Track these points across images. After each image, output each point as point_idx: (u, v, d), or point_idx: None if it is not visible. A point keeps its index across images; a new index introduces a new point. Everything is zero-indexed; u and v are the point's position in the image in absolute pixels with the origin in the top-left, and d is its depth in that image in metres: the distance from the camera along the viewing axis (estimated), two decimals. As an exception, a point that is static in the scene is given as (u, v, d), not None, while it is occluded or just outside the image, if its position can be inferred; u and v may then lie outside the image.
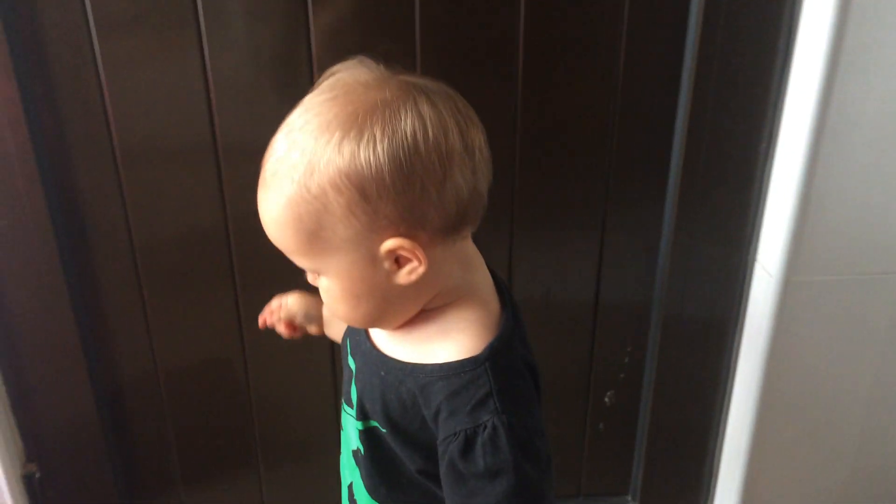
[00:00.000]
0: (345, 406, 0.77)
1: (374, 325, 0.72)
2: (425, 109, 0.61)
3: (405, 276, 0.64)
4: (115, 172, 1.06)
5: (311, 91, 0.63)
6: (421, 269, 0.63)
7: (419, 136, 0.60)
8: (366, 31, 1.02)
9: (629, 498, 1.36)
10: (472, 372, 0.65)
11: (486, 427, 0.63)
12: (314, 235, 0.62)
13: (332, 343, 1.13)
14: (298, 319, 0.89)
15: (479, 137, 0.64)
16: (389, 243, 0.62)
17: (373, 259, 0.63)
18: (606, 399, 1.27)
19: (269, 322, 0.90)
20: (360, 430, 0.73)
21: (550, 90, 1.07)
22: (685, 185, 1.11)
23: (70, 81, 1.01)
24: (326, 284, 0.66)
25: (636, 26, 1.04)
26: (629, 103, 1.08)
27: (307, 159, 0.60)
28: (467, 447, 0.64)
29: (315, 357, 1.22)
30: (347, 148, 0.59)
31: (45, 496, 1.25)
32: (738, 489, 1.24)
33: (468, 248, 0.70)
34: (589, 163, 1.12)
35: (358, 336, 0.75)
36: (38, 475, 1.24)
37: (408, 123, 0.60)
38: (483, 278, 0.72)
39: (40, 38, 0.99)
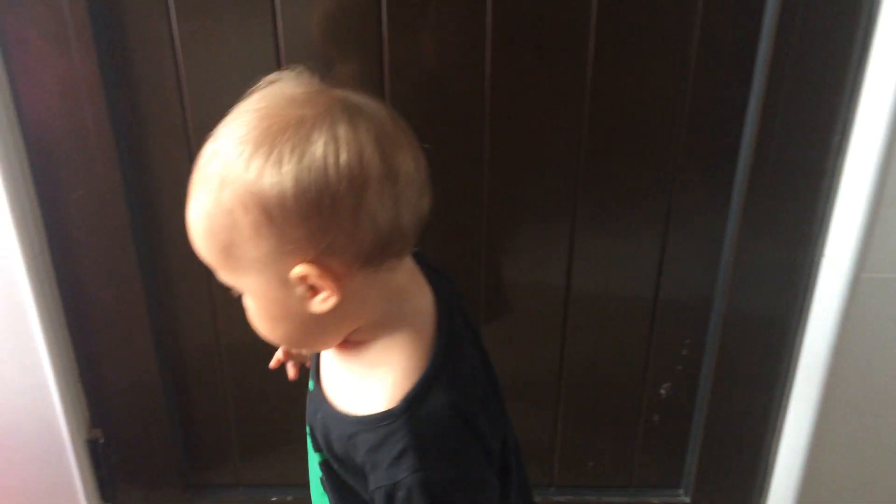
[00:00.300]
0: (308, 430, 0.75)
1: (295, 348, 0.72)
2: (342, 131, 0.57)
3: (319, 304, 0.61)
4: (187, 149, 1.08)
5: (245, 97, 0.61)
6: (333, 300, 0.60)
7: (329, 159, 0.56)
8: (442, 8, 1.02)
9: (681, 491, 1.35)
10: (388, 426, 0.62)
11: (402, 485, 0.61)
12: (227, 251, 0.60)
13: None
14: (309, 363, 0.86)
15: (408, 163, 0.60)
16: (298, 269, 0.59)
17: (285, 283, 0.60)
18: (662, 391, 1.26)
19: (283, 361, 0.89)
20: (319, 462, 0.72)
21: (620, 79, 1.06)
22: (754, 178, 1.09)
23: (147, 59, 1.04)
24: (247, 301, 0.65)
25: (710, 15, 1.02)
26: (700, 94, 1.07)
27: (222, 172, 0.58)
28: (388, 502, 0.62)
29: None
30: (255, 165, 0.56)
31: (107, 461, 1.29)
32: (795, 487, 1.22)
33: (399, 277, 0.66)
34: (656, 154, 1.10)
35: (315, 364, 0.73)
36: (101, 440, 1.28)
37: (319, 145, 0.56)
38: (419, 306, 0.68)
39: (121, 18, 1.02)
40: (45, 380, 1.17)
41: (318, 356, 0.74)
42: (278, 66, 1.03)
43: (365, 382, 0.66)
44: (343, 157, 0.56)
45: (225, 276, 0.62)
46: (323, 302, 0.60)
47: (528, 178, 1.12)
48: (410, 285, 0.68)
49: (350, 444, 0.65)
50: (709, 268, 1.18)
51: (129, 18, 1.02)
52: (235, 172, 0.57)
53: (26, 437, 1.22)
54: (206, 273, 1.16)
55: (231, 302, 1.18)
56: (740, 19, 1.03)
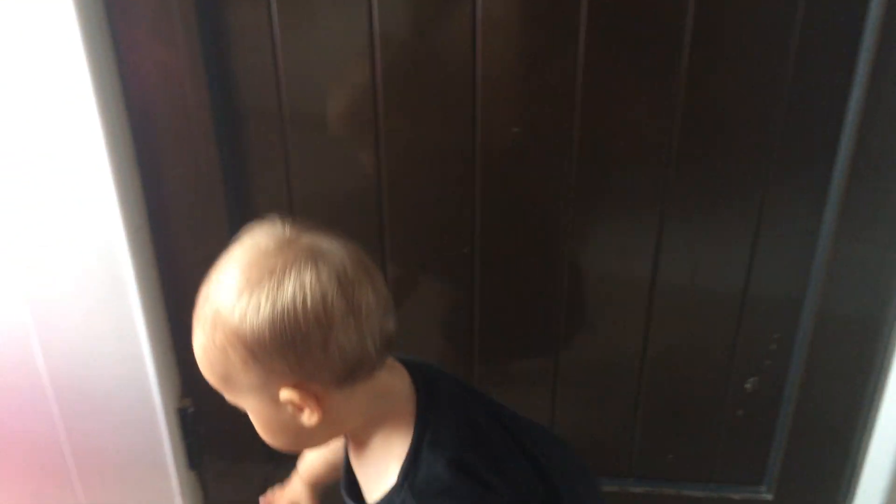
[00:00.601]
0: None
1: (295, 451, 0.85)
2: (308, 278, 0.68)
3: (307, 419, 0.73)
4: (282, 133, 1.11)
5: (229, 248, 0.73)
6: (317, 415, 0.72)
7: (298, 303, 0.67)
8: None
9: (763, 488, 1.33)
10: (398, 499, 0.74)
11: None
12: (225, 379, 0.72)
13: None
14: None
15: (368, 297, 0.71)
16: (283, 393, 0.71)
17: (276, 403, 0.72)
18: (748, 385, 1.24)
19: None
20: None
21: (717, 68, 1.03)
22: (853, 172, 1.06)
23: (246, 45, 1.06)
24: (251, 417, 0.76)
25: (813, 4, 0.99)
26: (800, 82, 1.03)
27: (212, 316, 0.69)
28: None
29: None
30: (238, 311, 0.67)
31: (195, 430, 1.34)
32: (884, 489, 1.18)
33: (376, 382, 0.75)
34: (751, 145, 1.08)
35: (345, 484, 0.86)
36: (191, 409, 1.32)
37: (288, 292, 0.67)
38: (399, 394, 0.79)
39: (223, 7, 1.04)
40: (140, 350, 1.22)
41: (346, 477, 0.85)
42: (371, 54, 1.06)
43: (378, 477, 0.78)
44: (309, 301, 0.67)
45: (229, 397, 0.75)
46: (309, 417, 0.72)
47: (616, 167, 1.11)
48: (388, 380, 0.78)
49: None
50: (802, 263, 1.15)
51: (231, 7, 1.04)
52: (223, 317, 0.68)
53: (121, 403, 1.28)
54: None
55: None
56: (845, 2, 1.00)
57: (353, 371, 0.71)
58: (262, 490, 1.41)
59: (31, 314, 1.20)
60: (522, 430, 0.85)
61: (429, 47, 1.06)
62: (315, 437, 0.78)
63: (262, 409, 0.74)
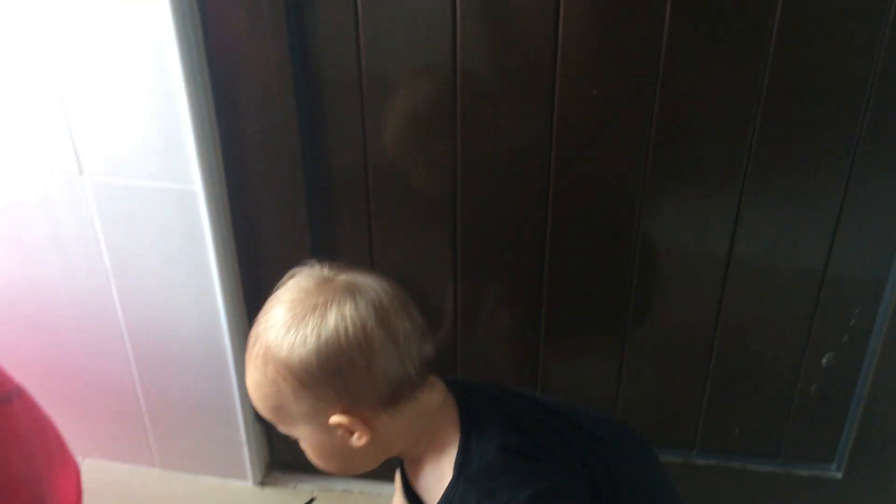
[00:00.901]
0: None
1: (347, 474, 0.88)
2: (347, 310, 0.75)
3: (356, 441, 0.78)
4: (360, 97, 1.10)
5: (275, 291, 0.81)
6: (366, 437, 0.78)
7: (340, 332, 0.74)
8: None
9: (833, 466, 1.30)
10: (458, 494, 0.79)
11: None
12: (278, 410, 0.78)
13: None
14: None
15: (405, 324, 0.78)
16: (334, 419, 0.77)
17: (326, 429, 0.78)
18: (824, 361, 1.20)
19: None
20: None
21: (806, 40, 0.98)
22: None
23: (329, 9, 1.05)
24: (302, 444, 0.83)
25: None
26: (892, 57, 0.99)
27: (262, 353, 0.76)
28: None
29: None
30: (286, 344, 0.74)
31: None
32: (962, 474, 1.15)
33: (421, 402, 0.81)
34: (839, 119, 1.03)
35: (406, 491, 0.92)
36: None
37: (331, 323, 0.74)
38: (440, 406, 0.84)
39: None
40: (215, 303, 1.24)
41: (405, 487, 0.91)
42: (454, 22, 1.04)
43: (437, 482, 0.83)
44: (351, 330, 0.74)
45: (282, 428, 0.81)
46: (358, 439, 0.78)
47: (696, 138, 1.07)
48: (430, 396, 0.83)
49: None
50: (887, 240, 1.11)
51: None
52: (273, 352, 0.75)
53: (193, 352, 1.31)
54: (367, 210, 1.20)
55: (390, 243, 1.22)
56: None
57: (396, 393, 0.78)
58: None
59: (109, 262, 1.23)
60: (562, 412, 0.90)
61: (509, 24, 1.04)
62: (365, 459, 0.84)
63: (314, 435, 0.80)
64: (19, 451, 1.11)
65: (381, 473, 1.43)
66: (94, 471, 1.44)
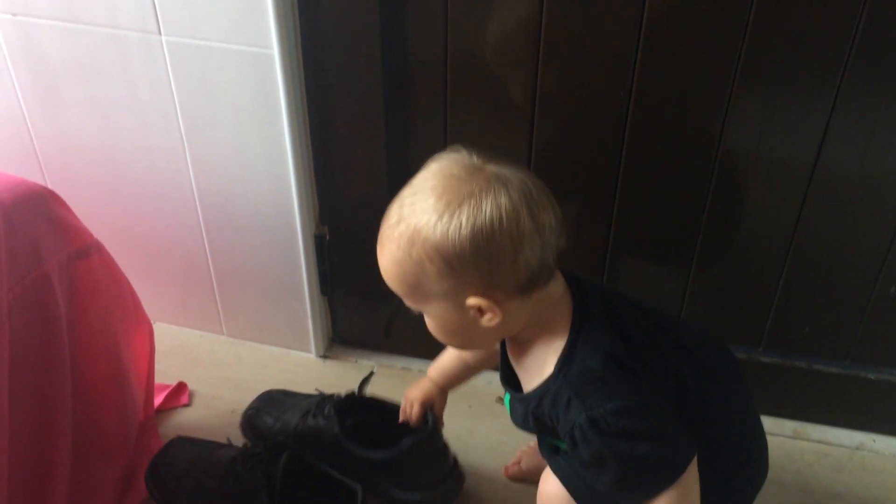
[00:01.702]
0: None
1: (467, 350, 1.04)
2: (503, 201, 0.78)
3: (486, 322, 0.83)
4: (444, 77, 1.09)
5: (418, 174, 0.83)
6: (497, 319, 0.82)
7: (495, 223, 0.77)
8: None
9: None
10: (554, 388, 0.86)
11: (576, 426, 0.83)
12: (415, 288, 0.82)
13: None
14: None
15: (549, 217, 0.81)
16: (472, 300, 0.81)
17: (460, 308, 0.83)
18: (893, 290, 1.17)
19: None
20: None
21: None
22: None
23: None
24: (428, 319, 0.88)
25: None
26: None
27: (410, 234, 0.79)
28: (573, 445, 0.85)
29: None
30: (440, 229, 0.78)
31: (330, 256, 1.38)
32: None
33: (547, 291, 0.86)
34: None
35: (503, 377, 0.99)
36: (327, 237, 1.36)
37: (487, 213, 0.77)
38: (560, 299, 0.89)
39: None
40: (287, 173, 1.24)
41: (504, 370, 0.98)
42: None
43: (537, 369, 0.89)
44: (505, 221, 0.78)
45: (413, 304, 0.86)
46: (489, 321, 0.83)
47: (790, 37, 1.00)
48: (554, 287, 0.88)
49: (538, 413, 0.90)
50: None
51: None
52: (424, 234, 0.79)
53: (263, 223, 1.32)
54: (444, 100, 1.17)
55: (464, 138, 1.20)
56: None
57: (533, 281, 0.82)
58: (387, 324, 1.47)
59: (183, 126, 1.24)
60: (668, 328, 0.94)
61: None
62: (487, 338, 0.90)
63: (445, 313, 0.84)
64: (97, 304, 1.15)
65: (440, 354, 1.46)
66: (164, 334, 1.48)
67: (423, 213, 0.79)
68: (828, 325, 1.27)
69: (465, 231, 0.77)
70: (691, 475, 0.85)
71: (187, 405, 1.40)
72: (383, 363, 1.48)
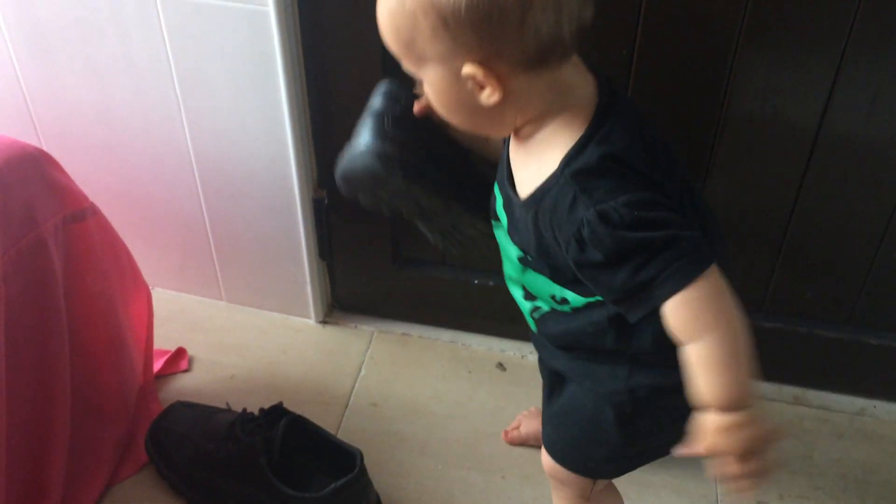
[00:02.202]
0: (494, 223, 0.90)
1: (471, 132, 0.83)
2: None
3: (486, 98, 0.71)
4: None
5: None
6: (497, 96, 0.71)
7: None
8: None
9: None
10: (557, 187, 0.73)
11: (584, 224, 0.71)
12: (408, 46, 0.72)
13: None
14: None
15: None
16: (467, 68, 0.70)
17: (457, 78, 0.71)
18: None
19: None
20: (517, 258, 0.86)
21: None
22: None
23: None
24: (427, 89, 0.76)
25: None
26: None
27: None
28: (581, 248, 0.72)
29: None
30: None
31: (329, 220, 1.37)
32: None
33: (562, 74, 0.74)
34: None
35: (501, 174, 0.85)
36: (326, 201, 1.34)
37: None
38: (581, 95, 0.76)
39: None
40: (284, 135, 1.22)
41: (505, 169, 0.84)
42: None
43: (539, 167, 0.76)
44: None
45: (407, 66, 0.75)
46: (489, 97, 0.71)
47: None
48: (574, 78, 0.76)
49: (536, 221, 0.77)
50: None
51: None
52: None
53: (261, 187, 1.31)
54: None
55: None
56: None
57: (543, 54, 0.70)
58: (388, 287, 1.45)
59: (179, 86, 1.21)
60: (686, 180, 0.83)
61: None
62: (490, 121, 0.77)
63: (441, 81, 0.73)
64: (94, 267, 1.14)
65: (440, 319, 1.46)
66: (163, 299, 1.48)
67: None
68: (830, 289, 1.26)
69: None
70: (717, 276, 0.72)
71: (187, 370, 1.39)
72: (383, 329, 1.48)
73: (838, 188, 1.14)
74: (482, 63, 0.69)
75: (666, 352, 0.76)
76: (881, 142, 1.08)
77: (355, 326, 1.48)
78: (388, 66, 1.15)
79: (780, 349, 1.32)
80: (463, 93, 0.72)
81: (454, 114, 0.77)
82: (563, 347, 0.93)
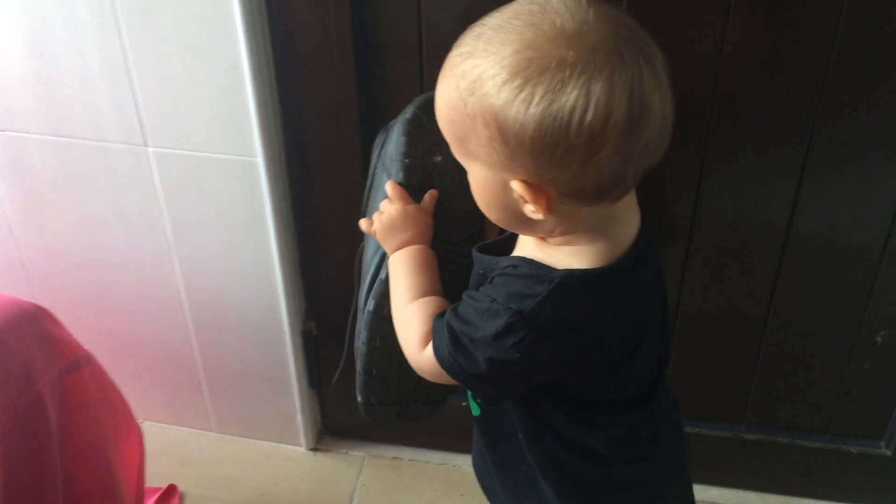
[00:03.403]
0: None
1: (505, 228, 0.75)
2: (597, 89, 0.59)
3: (528, 212, 0.67)
4: (419, 73, 1.10)
5: (510, 8, 0.64)
6: (540, 216, 0.66)
7: (576, 115, 0.59)
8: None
9: (882, 444, 1.30)
10: (540, 274, 0.69)
11: (503, 309, 0.69)
12: (461, 140, 0.67)
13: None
14: None
15: (652, 124, 0.62)
16: (516, 185, 0.65)
17: (504, 184, 0.66)
18: (878, 339, 1.20)
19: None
20: None
21: (875, 16, 0.97)
22: None
23: None
24: (470, 179, 0.71)
25: None
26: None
27: (474, 78, 0.62)
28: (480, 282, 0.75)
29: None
30: (505, 93, 0.60)
31: (317, 352, 1.39)
32: None
33: (610, 210, 0.69)
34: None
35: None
36: (314, 332, 1.38)
37: (570, 98, 0.59)
38: (622, 233, 0.72)
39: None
40: (273, 273, 1.26)
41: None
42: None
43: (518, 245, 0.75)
44: (589, 116, 0.59)
45: (456, 153, 0.70)
46: (531, 213, 0.67)
47: (757, 106, 1.06)
48: (621, 212, 0.72)
49: (495, 273, 0.73)
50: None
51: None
52: (486, 89, 0.62)
53: (251, 322, 1.34)
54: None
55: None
56: None
57: (599, 193, 0.65)
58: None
59: (171, 233, 1.26)
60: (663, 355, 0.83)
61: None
62: (526, 226, 0.71)
63: (485, 182, 0.68)
64: (88, 416, 1.15)
65: (431, 442, 1.47)
66: (153, 433, 1.48)
67: (496, 64, 0.61)
68: (807, 400, 1.30)
69: (535, 111, 0.60)
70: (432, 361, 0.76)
71: (178, 507, 1.39)
72: (373, 453, 1.48)
73: (807, 302, 1.20)
74: (532, 186, 0.65)
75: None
76: (848, 249, 1.14)
77: (346, 452, 1.49)
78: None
79: (764, 460, 1.35)
80: (505, 198, 0.68)
81: (491, 210, 0.72)
82: None
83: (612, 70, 0.59)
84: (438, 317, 0.77)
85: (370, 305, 0.91)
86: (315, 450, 1.49)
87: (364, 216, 0.94)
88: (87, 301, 1.36)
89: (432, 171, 0.89)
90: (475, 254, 0.80)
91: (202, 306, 1.34)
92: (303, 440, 1.48)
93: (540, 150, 0.61)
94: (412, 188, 0.89)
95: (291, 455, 1.48)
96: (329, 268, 1.31)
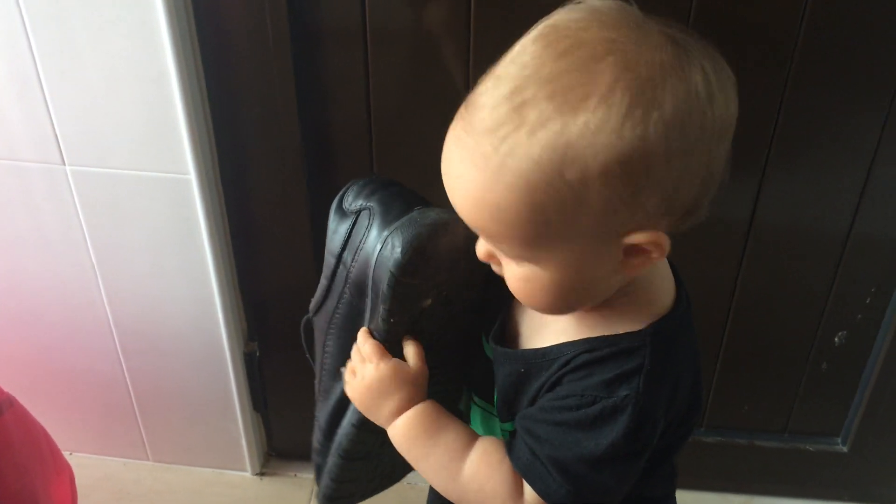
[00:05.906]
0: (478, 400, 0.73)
1: (560, 313, 0.61)
2: (706, 70, 0.51)
3: (632, 268, 0.56)
4: (366, 77, 1.03)
5: (532, 36, 0.51)
6: (655, 257, 0.55)
7: (702, 93, 0.50)
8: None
9: (839, 440, 1.31)
10: (628, 343, 0.58)
11: (619, 403, 0.57)
12: (546, 226, 0.52)
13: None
14: None
15: (725, 147, 0.54)
16: (637, 237, 0.53)
17: (608, 252, 0.54)
18: (836, 339, 1.20)
19: None
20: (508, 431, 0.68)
21: (838, 21, 0.95)
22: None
23: None
24: (530, 274, 0.56)
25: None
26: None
27: (563, 141, 0.49)
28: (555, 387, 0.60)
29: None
30: (629, 127, 0.48)
31: (261, 373, 1.32)
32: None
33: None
34: (868, 82, 1.00)
35: (498, 331, 0.69)
36: (257, 353, 1.30)
37: (694, 79, 0.50)
38: (661, 287, 0.63)
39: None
40: (210, 294, 1.18)
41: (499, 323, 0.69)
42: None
43: (598, 319, 0.60)
44: (715, 91, 0.51)
45: (517, 251, 0.55)
46: (640, 266, 0.56)
47: None
48: (663, 269, 0.64)
49: (564, 370, 0.60)
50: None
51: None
52: (601, 139, 0.49)
53: (188, 345, 1.25)
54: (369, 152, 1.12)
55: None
56: None
57: (699, 201, 0.56)
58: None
59: (95, 256, 1.16)
60: None
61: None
62: (598, 294, 0.59)
63: (574, 261, 0.55)
64: (13, 463, 1.05)
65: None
66: (85, 466, 1.37)
67: (581, 103, 0.49)
68: (765, 401, 1.29)
69: (659, 128, 0.49)
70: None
71: (115, 545, 1.30)
72: (323, 473, 1.42)
73: (767, 303, 1.18)
74: (654, 227, 0.54)
75: None
76: (808, 246, 1.12)
77: (294, 475, 1.42)
78: (316, 221, 1.14)
79: (724, 461, 1.34)
80: (601, 270, 0.56)
81: (569, 295, 0.58)
82: None
83: (703, 63, 0.51)
84: (517, 459, 0.62)
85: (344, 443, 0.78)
86: (261, 474, 1.42)
87: (318, 311, 0.76)
88: (8, 329, 1.25)
89: (419, 318, 0.69)
90: (502, 350, 0.67)
91: (131, 330, 1.24)
92: (248, 465, 1.40)
93: (675, 151, 0.50)
94: (392, 343, 0.69)
95: (237, 481, 1.40)
96: (271, 286, 1.24)
